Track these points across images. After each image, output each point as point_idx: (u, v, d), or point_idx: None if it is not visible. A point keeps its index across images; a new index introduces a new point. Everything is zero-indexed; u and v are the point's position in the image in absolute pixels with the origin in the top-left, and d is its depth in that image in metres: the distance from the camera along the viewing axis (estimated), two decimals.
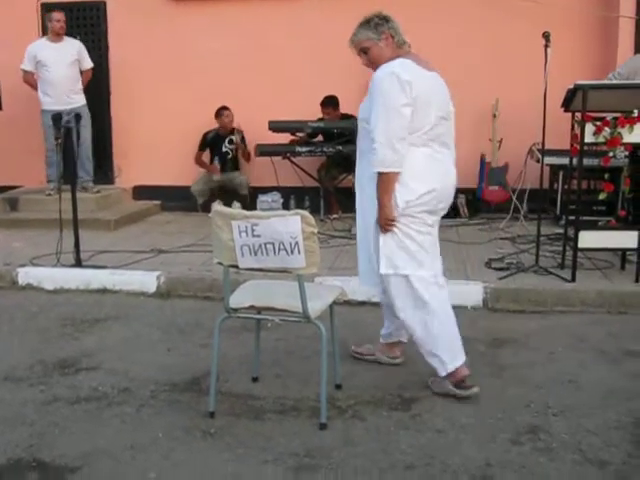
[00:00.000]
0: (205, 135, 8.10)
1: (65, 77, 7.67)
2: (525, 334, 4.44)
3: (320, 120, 7.57)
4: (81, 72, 7.83)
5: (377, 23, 3.64)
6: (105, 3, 8.30)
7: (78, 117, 5.96)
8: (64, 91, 7.66)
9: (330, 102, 7.61)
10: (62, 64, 7.63)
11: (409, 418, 3.31)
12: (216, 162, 8.05)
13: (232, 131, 7.97)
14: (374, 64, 3.62)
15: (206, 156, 8.19)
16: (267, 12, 7.97)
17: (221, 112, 7.96)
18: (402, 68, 3.46)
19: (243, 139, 8.04)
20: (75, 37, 7.94)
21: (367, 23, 3.65)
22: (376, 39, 3.62)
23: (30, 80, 7.72)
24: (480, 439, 3.10)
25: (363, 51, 3.65)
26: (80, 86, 7.79)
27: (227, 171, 8.04)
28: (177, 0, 8.12)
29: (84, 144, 7.85)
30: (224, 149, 8.04)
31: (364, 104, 3.63)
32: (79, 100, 7.75)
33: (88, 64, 7.82)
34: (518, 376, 3.79)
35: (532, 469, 2.85)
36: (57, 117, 5.83)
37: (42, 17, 8.50)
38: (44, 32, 8.51)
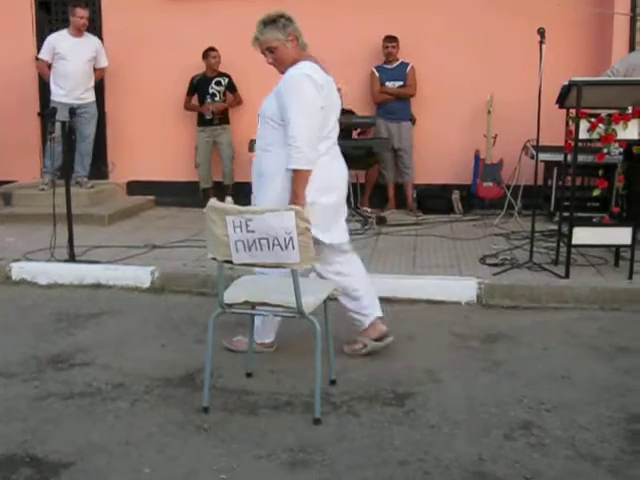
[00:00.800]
0: (192, 79, 8.04)
1: (81, 72, 7.66)
2: (519, 330, 4.45)
3: None
4: (94, 70, 7.82)
5: (284, 24, 3.74)
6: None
7: (72, 112, 5.94)
8: (77, 86, 7.64)
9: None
10: (80, 59, 7.62)
11: (403, 414, 3.32)
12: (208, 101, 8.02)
13: (219, 74, 7.95)
14: (280, 64, 3.77)
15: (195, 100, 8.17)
16: (259, 7, 7.91)
17: (208, 53, 7.90)
18: (314, 71, 3.70)
19: (231, 82, 8.04)
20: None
21: (274, 22, 3.72)
22: (284, 40, 3.74)
23: (44, 70, 7.68)
24: (473, 434, 3.11)
25: (269, 50, 3.74)
26: (92, 83, 7.78)
27: (215, 123, 8.02)
28: None
29: (86, 140, 7.86)
30: (211, 90, 7.98)
31: (269, 102, 3.75)
32: (90, 97, 7.74)
33: (104, 62, 7.81)
34: (511, 372, 3.79)
35: (525, 464, 2.86)
36: (52, 112, 5.83)
37: (37, 13, 8.49)
38: (38, 28, 8.51)
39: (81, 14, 7.54)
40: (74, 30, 7.62)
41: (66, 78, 7.60)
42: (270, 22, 3.71)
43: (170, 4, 8.06)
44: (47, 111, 5.89)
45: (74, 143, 7.65)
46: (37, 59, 7.63)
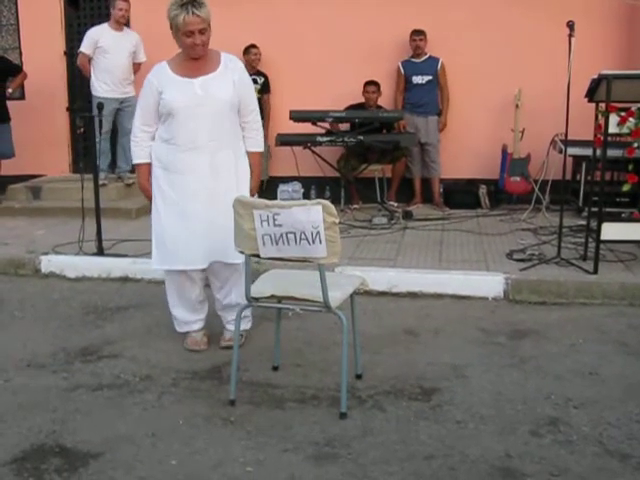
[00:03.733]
0: None
1: (123, 66, 7.69)
2: (546, 326, 4.41)
3: (350, 108, 7.55)
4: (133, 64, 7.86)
5: (209, 8, 3.69)
6: None
7: (100, 106, 5.98)
8: (120, 80, 7.67)
9: (373, 82, 7.58)
10: (122, 53, 7.65)
11: (429, 409, 3.31)
12: None
13: (257, 72, 7.91)
14: (205, 47, 3.74)
15: None
16: (291, 4, 7.95)
17: (249, 49, 7.87)
18: None
19: (266, 82, 8.02)
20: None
21: (204, 4, 3.65)
22: (210, 22, 3.75)
23: (86, 64, 7.68)
24: (500, 430, 3.10)
25: (201, 32, 3.66)
26: (133, 77, 7.81)
27: None
28: None
29: (128, 135, 7.86)
30: None
31: (232, 89, 3.79)
32: (131, 91, 7.77)
33: (142, 58, 7.80)
34: (539, 368, 3.77)
35: (552, 461, 2.84)
36: (100, 106, 5.91)
37: (65, 8, 8.55)
38: (67, 22, 8.57)
39: (120, 6, 7.56)
40: (114, 23, 7.63)
41: (110, 72, 7.62)
42: (201, 2, 3.63)
43: None
44: (98, 105, 5.96)
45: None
46: (81, 53, 7.65)
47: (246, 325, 4.08)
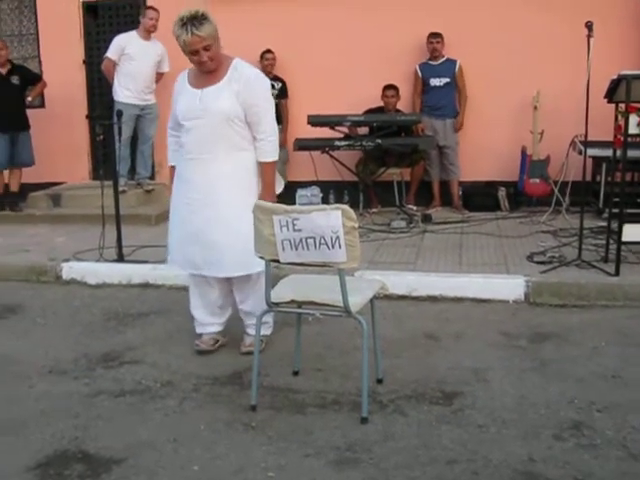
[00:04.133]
0: None
1: (147, 74, 7.76)
2: (568, 329, 4.38)
3: (369, 112, 7.55)
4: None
5: (215, 25, 3.69)
6: (145, 1, 8.36)
7: (119, 114, 6.02)
8: (142, 87, 7.75)
9: (392, 86, 7.58)
10: (147, 61, 7.73)
11: (450, 413, 3.30)
12: None
13: (274, 77, 7.92)
14: (213, 62, 3.73)
15: None
16: (307, 8, 7.97)
17: (264, 55, 7.90)
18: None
19: (284, 87, 8.03)
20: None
21: (207, 19, 3.64)
22: (217, 35, 3.72)
23: (110, 69, 7.75)
24: (523, 435, 3.07)
25: (206, 48, 3.65)
26: (154, 86, 7.87)
27: None
28: None
29: (149, 141, 7.99)
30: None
31: (228, 102, 3.72)
32: (152, 98, 7.85)
33: (166, 68, 7.85)
34: (561, 371, 3.74)
35: (576, 465, 2.82)
36: (120, 113, 5.97)
37: (83, 16, 8.62)
38: (86, 31, 8.64)
39: (151, 15, 7.64)
40: (143, 32, 7.71)
41: (134, 79, 7.69)
42: (204, 19, 3.62)
43: (219, 5, 8.07)
44: (117, 112, 6.01)
45: (133, 144, 7.86)
46: (107, 59, 7.71)
47: (266, 331, 4.07)
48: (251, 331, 4.05)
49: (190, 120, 3.79)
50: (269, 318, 4.05)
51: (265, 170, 3.87)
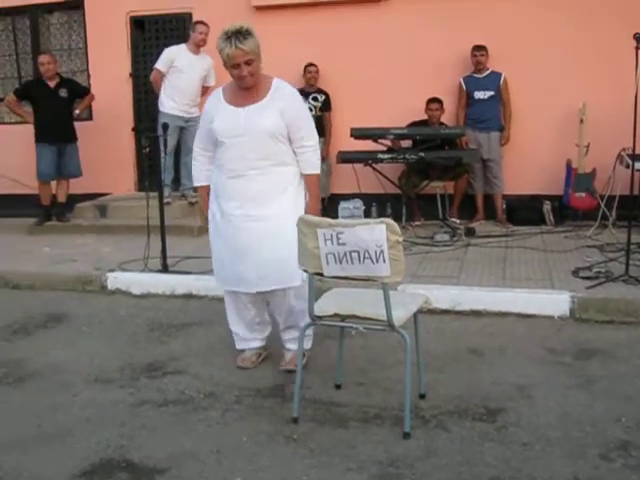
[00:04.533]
0: None
1: (193, 88, 7.87)
2: (614, 345, 4.30)
3: (412, 125, 7.56)
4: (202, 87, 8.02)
5: (258, 41, 3.70)
6: (191, 15, 8.48)
7: (165, 126, 6.11)
8: (188, 100, 7.85)
9: (436, 99, 7.58)
10: (195, 75, 7.83)
11: (494, 430, 3.26)
12: None
13: (318, 90, 7.95)
14: (253, 77, 3.74)
15: None
16: (347, 18, 8.01)
17: (307, 68, 7.95)
18: None
19: (327, 99, 8.06)
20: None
21: (251, 35, 3.66)
22: (259, 52, 3.74)
23: (158, 80, 7.86)
24: (568, 453, 3.02)
25: (248, 63, 3.67)
26: (199, 99, 7.96)
27: None
28: (260, 9, 8.24)
29: (191, 154, 8.02)
30: (307, 105, 8.03)
31: (272, 120, 3.75)
32: (197, 111, 7.90)
33: (212, 82, 7.92)
34: (607, 389, 3.67)
35: None
36: (165, 126, 6.06)
37: (131, 30, 8.77)
38: (133, 45, 8.79)
39: (201, 29, 7.74)
40: (193, 45, 7.81)
41: (181, 92, 7.79)
42: (249, 33, 3.65)
43: (260, 17, 8.13)
44: (163, 125, 6.12)
45: (175, 156, 7.95)
46: (156, 70, 7.82)
47: (307, 344, 4.05)
48: (290, 345, 4.06)
49: (232, 138, 3.78)
50: (310, 331, 4.03)
51: (311, 182, 3.92)
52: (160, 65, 7.80)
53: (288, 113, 3.76)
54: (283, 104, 3.77)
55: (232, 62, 3.66)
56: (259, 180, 3.80)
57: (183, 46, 7.85)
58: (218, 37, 3.70)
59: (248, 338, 4.16)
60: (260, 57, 3.74)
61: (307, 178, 3.91)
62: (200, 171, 4.07)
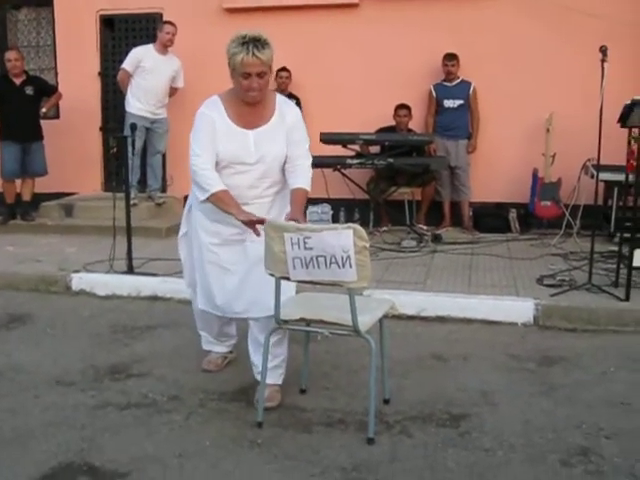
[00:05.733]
0: None
1: (160, 89, 7.83)
2: (577, 353, 4.36)
3: (381, 131, 7.58)
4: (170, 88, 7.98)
5: (273, 50, 3.42)
6: (161, 15, 8.42)
7: (133, 127, 6.07)
8: (155, 101, 7.82)
9: (404, 105, 7.61)
10: (162, 76, 7.79)
11: (457, 435, 3.28)
12: None
13: (289, 95, 7.97)
14: (261, 91, 3.46)
15: None
16: (319, 23, 8.02)
17: (278, 73, 7.90)
18: None
19: (297, 104, 8.04)
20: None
21: (269, 45, 3.40)
22: (272, 68, 3.50)
23: (125, 80, 7.80)
24: (530, 459, 3.05)
25: (260, 75, 3.39)
26: (167, 100, 7.94)
27: None
28: (230, 11, 8.22)
29: (158, 154, 8.04)
30: None
31: (283, 144, 3.55)
32: (163, 113, 7.92)
33: (181, 83, 7.94)
34: (569, 396, 3.72)
35: None
36: (134, 127, 6.03)
37: (101, 29, 8.69)
38: (102, 44, 8.71)
39: (168, 29, 7.71)
40: (160, 46, 7.77)
41: (147, 92, 7.75)
42: (265, 43, 3.38)
43: (230, 19, 8.11)
44: (131, 125, 6.08)
45: (141, 157, 7.90)
46: (123, 70, 7.76)
47: (277, 379, 3.69)
48: (270, 380, 3.63)
49: (241, 165, 3.50)
50: (282, 369, 3.72)
51: (304, 197, 3.59)
52: (127, 65, 7.75)
53: (293, 132, 3.59)
54: (289, 124, 3.58)
55: (244, 70, 3.35)
56: (265, 211, 3.56)
57: (150, 46, 7.81)
58: (231, 40, 3.38)
59: (214, 342, 4.14)
60: (271, 73, 3.49)
61: (301, 192, 3.56)
62: (213, 178, 3.45)
